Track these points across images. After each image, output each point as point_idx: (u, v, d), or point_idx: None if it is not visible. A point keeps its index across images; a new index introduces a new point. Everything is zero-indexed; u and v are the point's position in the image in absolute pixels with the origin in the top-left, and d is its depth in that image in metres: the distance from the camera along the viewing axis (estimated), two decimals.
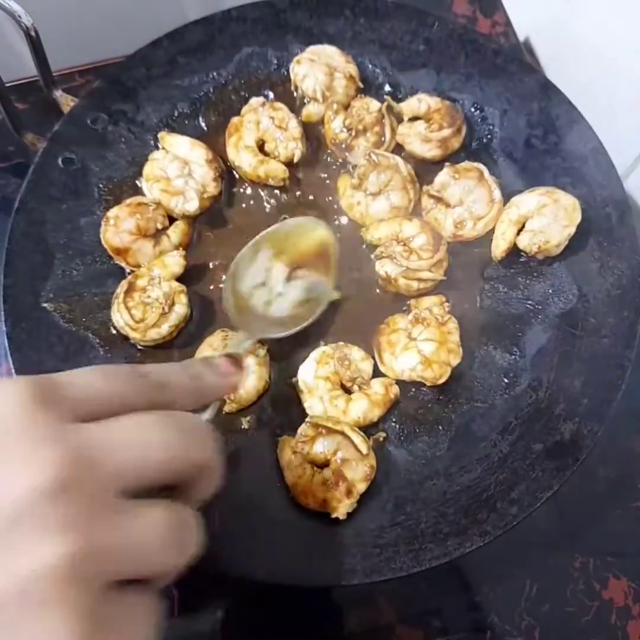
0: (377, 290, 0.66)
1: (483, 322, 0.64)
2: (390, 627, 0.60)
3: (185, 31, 0.71)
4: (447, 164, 0.66)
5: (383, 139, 0.68)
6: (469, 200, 0.65)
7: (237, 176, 0.70)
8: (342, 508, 0.53)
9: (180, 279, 0.62)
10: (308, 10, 0.73)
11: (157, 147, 0.69)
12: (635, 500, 0.66)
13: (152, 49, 0.70)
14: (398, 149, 0.70)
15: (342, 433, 0.55)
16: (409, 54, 0.73)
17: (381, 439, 0.59)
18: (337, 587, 0.59)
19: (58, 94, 0.69)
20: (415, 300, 0.63)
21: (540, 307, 0.64)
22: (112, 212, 0.63)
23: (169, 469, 0.30)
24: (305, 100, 0.72)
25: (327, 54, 0.71)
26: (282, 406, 0.60)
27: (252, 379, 0.59)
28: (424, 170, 0.68)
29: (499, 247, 0.65)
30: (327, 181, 0.70)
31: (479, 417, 0.60)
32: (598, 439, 0.55)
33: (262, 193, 0.69)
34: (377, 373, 0.61)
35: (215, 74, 0.72)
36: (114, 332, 0.61)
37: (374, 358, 0.61)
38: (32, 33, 0.62)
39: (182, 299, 0.61)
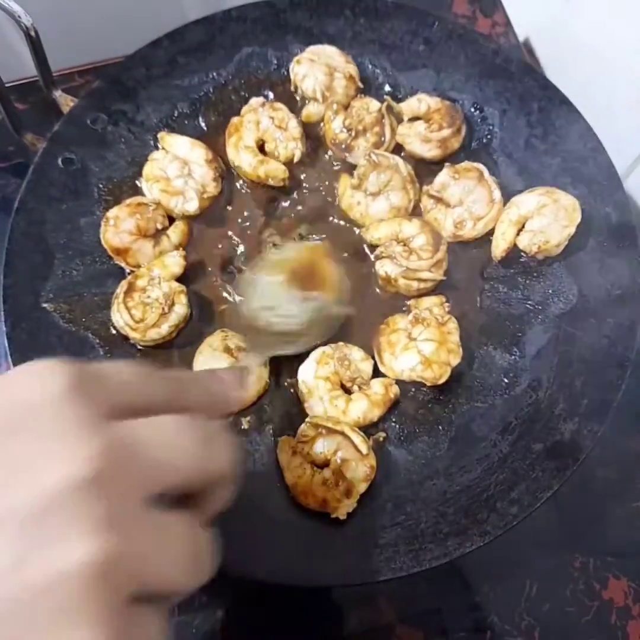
0: (377, 290, 0.66)
1: (483, 322, 0.64)
2: (390, 627, 0.60)
3: (185, 31, 0.71)
4: (447, 164, 0.66)
5: (383, 139, 0.68)
6: (468, 200, 0.65)
7: (237, 176, 0.70)
8: (342, 508, 0.53)
9: (180, 279, 0.62)
10: (308, 10, 0.73)
11: (157, 147, 0.69)
12: (635, 500, 0.66)
13: (152, 49, 0.70)
14: (398, 149, 0.70)
15: (342, 433, 0.55)
16: (409, 54, 0.73)
17: (381, 439, 0.59)
18: (337, 587, 0.59)
19: (58, 94, 0.69)
20: (415, 300, 0.63)
21: (540, 307, 0.64)
22: (112, 212, 0.63)
23: (194, 476, 0.29)
24: (305, 100, 0.72)
25: (327, 54, 0.71)
26: (282, 406, 0.60)
27: (252, 379, 0.59)
28: (424, 170, 0.69)
29: (499, 247, 0.65)
30: (327, 182, 0.70)
31: (479, 417, 0.60)
32: (598, 439, 0.55)
33: (262, 193, 0.69)
34: (377, 373, 0.61)
35: (215, 74, 0.72)
36: (114, 332, 0.61)
37: (374, 358, 0.61)
38: (32, 33, 0.62)
39: (182, 299, 0.61)
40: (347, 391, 0.60)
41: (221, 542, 0.30)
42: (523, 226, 0.64)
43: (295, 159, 0.68)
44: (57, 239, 0.63)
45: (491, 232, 0.65)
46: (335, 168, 0.70)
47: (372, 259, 0.65)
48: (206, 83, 0.72)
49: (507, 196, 0.66)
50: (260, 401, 0.60)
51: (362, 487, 0.54)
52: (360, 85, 0.71)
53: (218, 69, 0.73)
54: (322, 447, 0.56)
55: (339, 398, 0.58)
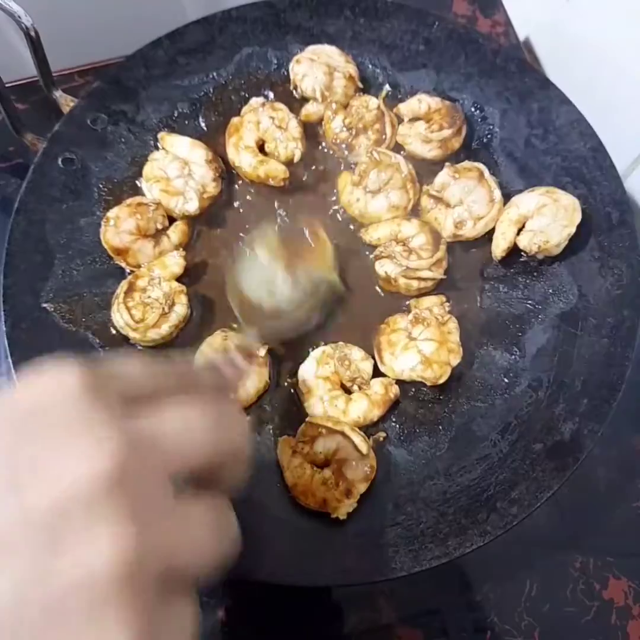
0: (377, 290, 0.66)
1: (483, 322, 0.64)
2: (390, 627, 0.60)
3: (185, 31, 0.71)
4: (447, 163, 0.66)
5: (384, 136, 0.68)
6: (468, 200, 0.65)
7: (237, 176, 0.70)
8: (342, 508, 0.53)
9: (180, 279, 0.62)
10: (308, 10, 0.73)
11: (157, 147, 0.69)
12: (635, 500, 0.66)
13: (152, 49, 0.70)
14: (398, 149, 0.70)
15: (342, 433, 0.55)
16: (409, 53, 0.73)
17: (381, 438, 0.59)
18: (337, 587, 0.59)
19: (58, 94, 0.69)
20: (415, 300, 0.63)
21: (540, 307, 0.64)
22: (112, 213, 0.63)
23: (210, 457, 0.30)
24: (305, 100, 0.72)
25: (326, 53, 0.71)
26: (282, 406, 0.60)
27: (252, 379, 0.59)
28: (424, 170, 0.68)
29: (499, 247, 0.65)
30: (327, 181, 0.70)
31: (479, 417, 0.60)
32: (598, 439, 0.55)
33: (262, 193, 0.69)
34: (377, 373, 0.61)
35: (215, 74, 0.72)
36: (114, 332, 0.61)
37: (374, 358, 0.61)
38: (32, 33, 0.62)
39: (182, 299, 0.61)
40: (347, 391, 0.60)
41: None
42: (523, 226, 0.64)
43: (295, 159, 0.68)
44: (57, 239, 0.63)
45: (491, 232, 0.65)
46: (335, 167, 0.70)
47: (372, 259, 0.65)
48: (206, 83, 0.72)
49: (507, 196, 0.66)
50: (260, 401, 0.60)
51: (362, 487, 0.54)
52: (360, 85, 0.71)
53: (218, 69, 0.73)
54: (322, 447, 0.56)
55: (339, 398, 0.58)
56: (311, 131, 0.71)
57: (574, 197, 0.63)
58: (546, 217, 0.62)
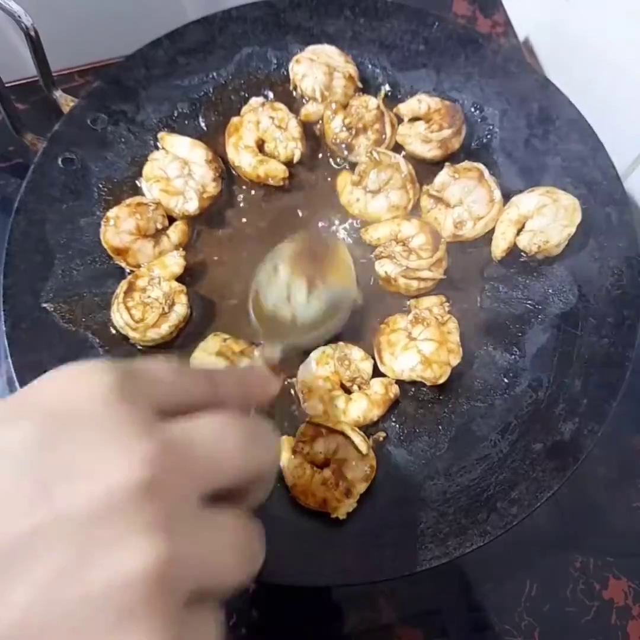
0: (377, 290, 0.66)
1: (483, 322, 0.64)
2: (390, 627, 0.60)
3: (185, 31, 0.71)
4: (447, 163, 0.66)
5: (384, 136, 0.68)
6: (468, 200, 0.65)
7: (237, 176, 0.70)
8: (342, 508, 0.53)
9: (180, 279, 0.62)
10: (308, 10, 0.73)
11: (157, 147, 0.69)
12: (635, 500, 0.66)
13: (152, 49, 0.70)
14: (398, 149, 0.70)
15: (342, 433, 0.55)
16: (409, 54, 0.73)
17: (381, 438, 0.59)
18: (337, 587, 0.59)
19: (58, 94, 0.69)
20: (415, 300, 0.63)
21: (540, 307, 0.64)
22: (112, 212, 0.63)
23: (242, 475, 0.29)
24: (304, 100, 0.72)
25: (326, 53, 0.71)
26: (282, 406, 0.60)
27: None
28: (424, 170, 0.68)
29: (499, 247, 0.65)
30: (328, 178, 0.70)
31: (479, 417, 0.60)
32: (598, 439, 0.55)
33: (262, 193, 0.69)
34: (377, 373, 0.61)
35: (215, 74, 0.72)
36: (114, 332, 0.61)
37: (373, 358, 0.61)
38: (32, 33, 0.61)
39: (182, 299, 0.61)
40: (347, 391, 0.60)
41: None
42: (523, 226, 0.64)
43: (295, 159, 0.68)
44: (57, 239, 0.63)
45: (491, 232, 0.65)
46: (335, 167, 0.70)
47: (372, 259, 0.65)
48: (206, 83, 0.72)
49: (507, 196, 0.66)
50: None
51: (362, 487, 0.54)
52: (360, 85, 0.71)
53: (218, 69, 0.72)
54: (322, 447, 0.56)
55: (339, 398, 0.58)
56: (311, 131, 0.71)
57: (574, 197, 0.63)
58: (546, 217, 0.62)
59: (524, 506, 0.53)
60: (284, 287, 0.56)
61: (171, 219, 0.66)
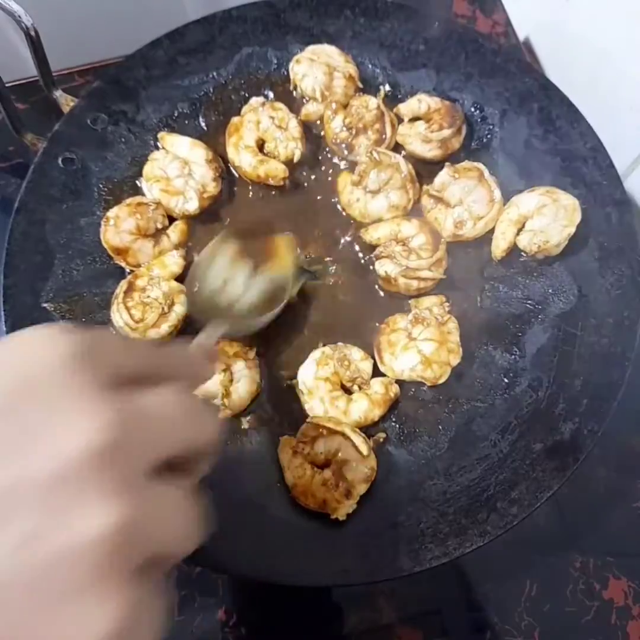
0: (377, 290, 0.66)
1: (483, 322, 0.64)
2: (390, 627, 0.60)
3: (185, 31, 0.71)
4: (447, 163, 0.66)
5: (384, 136, 0.68)
6: (468, 200, 0.65)
7: (237, 176, 0.70)
8: (341, 509, 0.53)
9: (179, 278, 0.62)
10: (308, 10, 0.73)
11: (157, 147, 0.69)
12: (635, 500, 0.66)
13: (152, 49, 0.70)
14: (398, 149, 0.70)
15: (343, 434, 0.55)
16: (409, 53, 0.73)
17: (381, 439, 0.59)
18: (337, 587, 0.59)
19: (58, 94, 0.69)
20: (415, 300, 0.63)
21: (540, 307, 0.64)
22: (112, 212, 0.63)
23: (187, 445, 0.30)
24: (305, 100, 0.72)
25: (326, 53, 0.71)
26: (282, 406, 0.60)
27: (244, 383, 0.58)
28: (424, 170, 0.69)
29: (499, 247, 0.65)
30: (329, 178, 0.70)
31: (479, 417, 0.60)
32: (598, 439, 0.55)
33: (262, 193, 0.69)
34: (377, 373, 0.61)
35: (215, 74, 0.72)
36: (114, 332, 0.61)
37: (373, 358, 0.61)
38: (32, 33, 0.61)
39: (182, 298, 0.61)
40: (347, 391, 0.60)
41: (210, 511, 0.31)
42: (523, 226, 0.64)
43: (295, 159, 0.68)
44: (57, 239, 0.63)
45: (491, 232, 0.65)
46: (335, 167, 0.70)
47: (372, 259, 0.65)
48: (206, 83, 0.72)
49: (507, 196, 0.66)
50: (260, 401, 0.60)
51: (362, 488, 0.54)
52: (360, 85, 0.71)
53: (218, 68, 0.73)
54: (322, 447, 0.56)
55: (340, 399, 0.58)
56: (311, 131, 0.71)
57: (574, 197, 0.63)
58: (546, 217, 0.62)
59: (524, 506, 0.53)
60: (224, 272, 0.56)
61: (171, 219, 0.66)
